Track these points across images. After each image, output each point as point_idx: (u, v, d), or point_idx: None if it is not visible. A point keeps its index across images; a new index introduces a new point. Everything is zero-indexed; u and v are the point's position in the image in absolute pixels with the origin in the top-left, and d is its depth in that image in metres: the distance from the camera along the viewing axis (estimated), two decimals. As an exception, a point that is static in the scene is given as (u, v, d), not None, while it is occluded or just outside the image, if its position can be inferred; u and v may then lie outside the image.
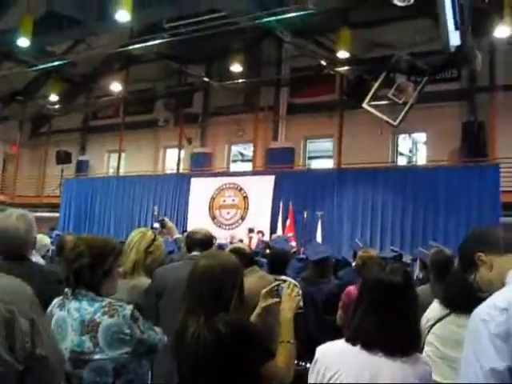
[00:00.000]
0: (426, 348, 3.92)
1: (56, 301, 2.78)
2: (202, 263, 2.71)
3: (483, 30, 12.83)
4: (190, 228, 15.30)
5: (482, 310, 1.85)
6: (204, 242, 4.32)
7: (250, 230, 16.16)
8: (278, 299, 3.01)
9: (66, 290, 2.73)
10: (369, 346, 2.31)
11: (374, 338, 2.32)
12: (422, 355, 2.45)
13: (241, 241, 14.33)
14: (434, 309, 4.03)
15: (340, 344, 2.40)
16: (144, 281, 3.98)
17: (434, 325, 3.94)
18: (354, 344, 2.34)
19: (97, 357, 2.56)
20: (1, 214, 3.43)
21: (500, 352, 1.72)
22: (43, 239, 6.47)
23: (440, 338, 3.87)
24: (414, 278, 8.07)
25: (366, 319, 2.38)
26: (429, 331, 3.95)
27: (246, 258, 4.75)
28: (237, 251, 4.73)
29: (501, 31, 12.85)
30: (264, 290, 3.13)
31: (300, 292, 3.04)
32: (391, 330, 2.32)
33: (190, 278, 2.70)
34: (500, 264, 2.04)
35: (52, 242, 9.15)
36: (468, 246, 2.21)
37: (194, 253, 4.19)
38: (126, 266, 4.04)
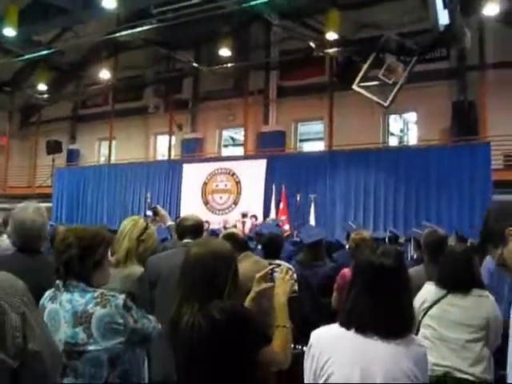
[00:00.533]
0: (423, 330, 3.93)
1: (47, 293, 2.77)
2: (195, 251, 2.70)
3: (472, 8, 12.80)
4: (182, 214, 15.30)
5: None
6: (195, 228, 4.29)
7: (244, 215, 16.16)
8: (272, 284, 3.00)
9: (57, 281, 2.73)
10: (362, 329, 2.31)
11: (367, 321, 2.32)
12: (416, 337, 2.46)
13: (234, 226, 14.35)
14: (430, 291, 4.04)
15: (334, 328, 2.40)
16: (137, 269, 3.96)
17: (430, 307, 3.95)
18: (348, 328, 2.34)
19: (91, 348, 2.55)
20: (17, 207, 3.46)
21: None
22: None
23: (436, 319, 3.89)
24: (408, 258, 8.10)
25: (358, 302, 2.38)
26: (425, 313, 3.96)
27: (240, 243, 4.74)
28: (230, 237, 4.73)
29: (489, 9, 12.86)
30: (258, 275, 3.13)
31: (294, 276, 3.04)
32: (384, 313, 2.32)
33: (183, 266, 2.69)
34: None
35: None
36: (497, 220, 2.18)
37: (186, 240, 4.17)
38: (118, 254, 4.03)
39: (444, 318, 3.86)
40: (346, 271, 5.29)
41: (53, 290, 2.75)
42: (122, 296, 2.67)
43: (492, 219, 2.21)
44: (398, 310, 2.35)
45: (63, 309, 2.63)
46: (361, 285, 2.43)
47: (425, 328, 3.94)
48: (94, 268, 2.72)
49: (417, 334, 3.97)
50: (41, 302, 2.72)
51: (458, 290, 3.90)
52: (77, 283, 2.66)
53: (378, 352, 2.27)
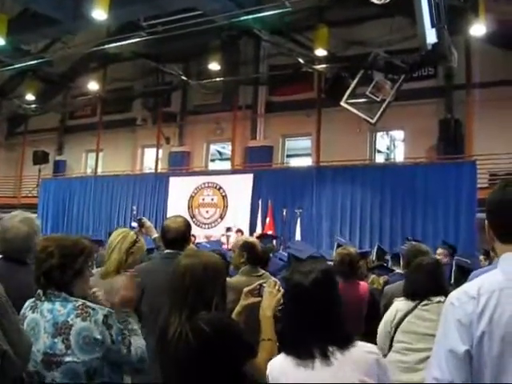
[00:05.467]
0: (396, 345, 3.99)
1: (28, 303, 2.74)
2: (185, 262, 2.72)
3: (459, 27, 12.92)
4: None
5: (454, 293, 1.89)
6: (175, 240, 4.11)
7: (228, 229, 16.09)
8: (259, 298, 3.01)
9: (38, 291, 2.70)
10: (299, 354, 2.31)
11: (293, 341, 2.32)
12: (365, 344, 2.39)
13: (219, 240, 14.36)
14: (397, 306, 4.13)
15: (280, 358, 2.40)
16: (120, 280, 3.95)
17: (400, 322, 4.01)
18: (287, 354, 2.35)
19: (68, 359, 2.53)
20: (8, 215, 3.40)
21: (462, 336, 1.78)
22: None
23: (406, 332, 3.96)
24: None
25: (285, 323, 2.41)
26: (396, 329, 4.02)
27: (257, 255, 4.71)
28: (250, 247, 4.71)
29: (476, 29, 12.96)
30: (246, 289, 3.14)
31: (282, 290, 3.04)
32: (311, 332, 2.31)
33: (173, 277, 2.70)
34: (499, 247, 1.97)
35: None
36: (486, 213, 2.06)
37: (168, 250, 4.09)
38: (108, 265, 4.03)
39: (413, 331, 3.91)
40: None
41: (33, 299, 2.72)
42: (104, 311, 2.63)
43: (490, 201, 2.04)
44: (323, 326, 2.31)
45: (44, 318, 2.61)
46: (285, 304, 2.47)
47: (397, 343, 3.99)
48: (75, 277, 2.69)
49: (389, 349, 4.03)
50: (21, 312, 2.70)
51: (426, 302, 3.96)
52: (58, 293, 2.64)
53: (322, 378, 2.24)
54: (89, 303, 2.64)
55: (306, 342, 2.29)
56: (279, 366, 2.36)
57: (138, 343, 2.77)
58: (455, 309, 1.83)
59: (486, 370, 1.75)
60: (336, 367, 2.24)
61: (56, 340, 2.55)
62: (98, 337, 2.55)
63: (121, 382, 2.82)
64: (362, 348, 2.33)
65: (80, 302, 2.63)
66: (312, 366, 2.25)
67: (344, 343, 2.29)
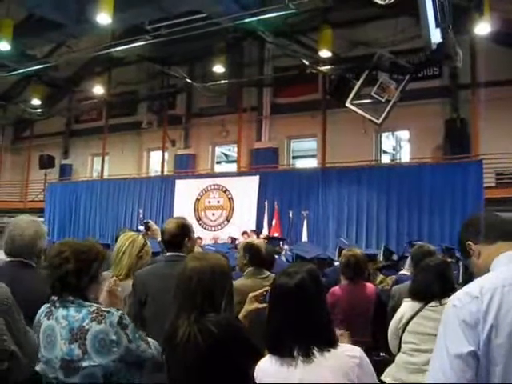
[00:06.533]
0: (404, 346, 3.98)
1: (43, 309, 2.73)
2: (192, 265, 2.71)
3: (463, 27, 12.90)
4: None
5: (456, 295, 1.90)
6: (171, 243, 4.02)
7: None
8: (264, 305, 3.00)
9: (53, 297, 2.69)
10: (275, 351, 2.34)
11: (277, 340, 2.34)
12: (347, 347, 2.38)
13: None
14: (406, 307, 4.10)
15: (266, 359, 2.42)
16: (131, 284, 3.95)
17: (408, 322, 4.00)
18: (273, 353, 2.37)
19: (86, 364, 2.53)
20: (13, 219, 3.42)
21: (467, 337, 1.78)
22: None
23: (413, 333, 3.94)
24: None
25: (270, 324, 2.40)
26: (404, 329, 4.00)
27: (260, 257, 4.65)
28: (254, 249, 4.67)
29: (481, 28, 12.92)
30: (251, 294, 3.14)
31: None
32: (293, 332, 2.32)
33: (180, 280, 2.69)
34: (487, 253, 2.07)
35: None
36: (461, 234, 2.24)
37: (170, 253, 4.02)
38: (120, 270, 4.02)
39: (420, 332, 3.90)
40: (336, 289, 5.32)
41: (48, 305, 2.71)
42: (118, 313, 2.63)
43: (459, 233, 2.26)
44: (307, 327, 2.32)
45: (59, 325, 2.61)
46: (271, 306, 2.47)
47: (405, 343, 3.98)
48: (90, 282, 2.69)
49: (399, 350, 4.02)
50: (36, 318, 2.70)
51: (434, 303, 3.95)
52: (73, 299, 2.63)
53: (294, 374, 2.27)
54: (103, 308, 2.64)
55: (288, 342, 2.30)
56: (265, 366, 2.38)
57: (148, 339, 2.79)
58: (458, 310, 1.83)
59: (493, 370, 1.75)
60: (316, 367, 2.25)
61: (73, 346, 2.55)
62: (114, 338, 2.55)
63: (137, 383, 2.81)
64: (344, 351, 2.33)
65: (94, 306, 2.63)
66: (294, 365, 2.28)
67: (326, 345, 2.31)
